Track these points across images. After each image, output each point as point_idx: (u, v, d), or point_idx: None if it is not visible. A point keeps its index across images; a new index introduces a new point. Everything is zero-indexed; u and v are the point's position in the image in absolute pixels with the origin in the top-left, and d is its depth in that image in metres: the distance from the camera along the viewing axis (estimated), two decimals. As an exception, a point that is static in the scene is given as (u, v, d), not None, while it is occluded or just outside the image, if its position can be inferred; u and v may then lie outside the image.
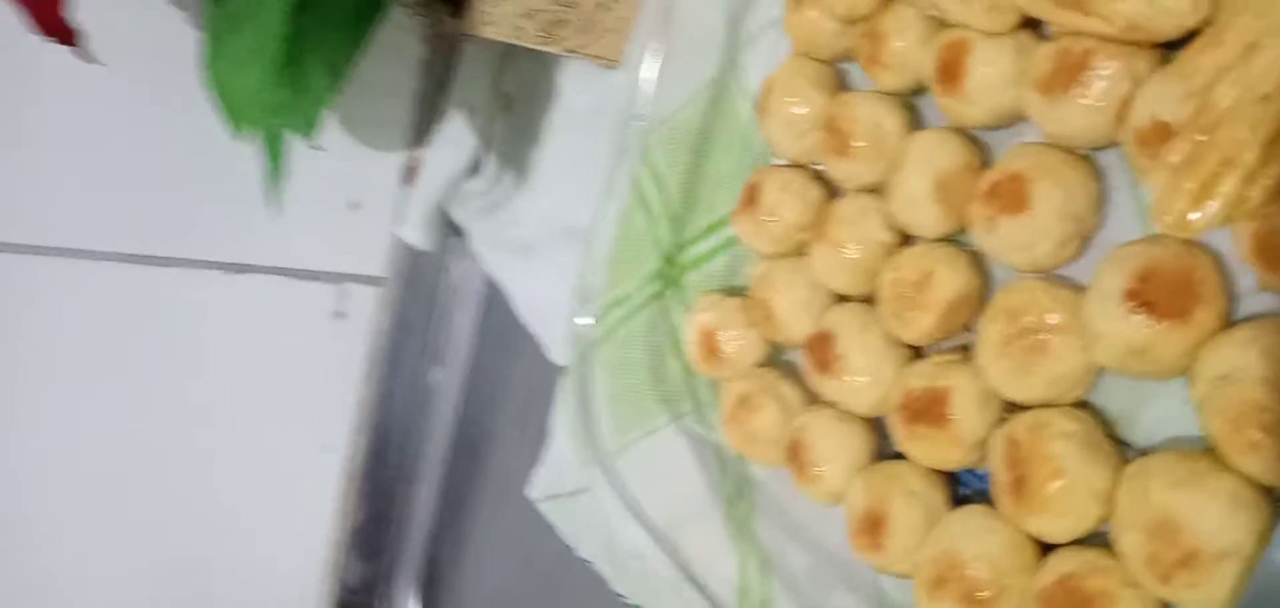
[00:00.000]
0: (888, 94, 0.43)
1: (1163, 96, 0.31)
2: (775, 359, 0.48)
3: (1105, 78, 0.33)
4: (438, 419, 0.83)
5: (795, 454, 0.43)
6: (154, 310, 0.78)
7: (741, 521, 0.47)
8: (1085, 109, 0.34)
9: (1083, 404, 0.35)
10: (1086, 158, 0.36)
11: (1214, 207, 0.29)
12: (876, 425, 0.42)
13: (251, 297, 0.80)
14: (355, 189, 0.82)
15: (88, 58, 0.53)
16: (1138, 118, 0.32)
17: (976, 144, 0.40)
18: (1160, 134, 0.31)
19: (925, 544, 0.37)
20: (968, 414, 0.37)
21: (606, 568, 0.56)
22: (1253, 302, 0.31)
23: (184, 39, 0.61)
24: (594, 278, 0.55)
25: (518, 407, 0.73)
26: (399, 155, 0.82)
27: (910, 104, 0.43)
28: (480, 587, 0.79)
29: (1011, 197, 0.36)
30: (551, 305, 0.67)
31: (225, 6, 0.57)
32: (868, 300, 0.43)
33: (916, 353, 0.41)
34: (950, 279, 0.38)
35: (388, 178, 0.82)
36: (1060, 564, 0.33)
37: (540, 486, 0.63)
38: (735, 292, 0.51)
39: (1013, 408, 0.37)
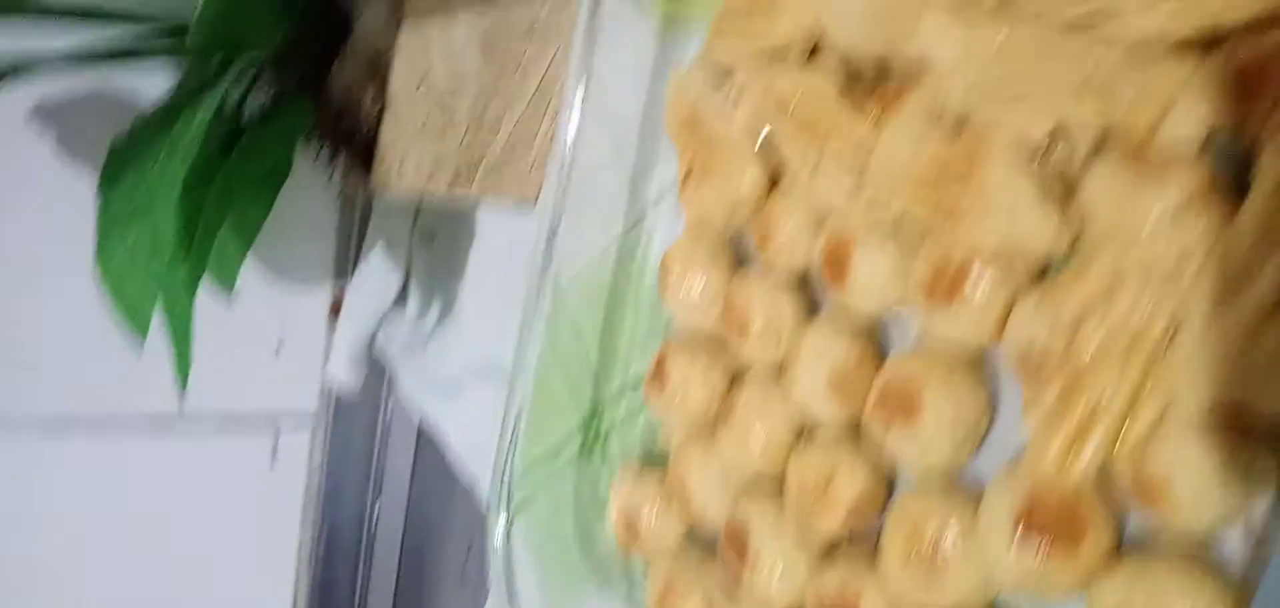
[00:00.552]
0: (783, 277, 0.42)
1: (1035, 325, 0.31)
2: (699, 537, 0.47)
3: (984, 290, 0.33)
4: (381, 560, 0.82)
5: (717, 648, 0.42)
6: (81, 474, 0.76)
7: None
8: (967, 320, 0.34)
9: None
10: (975, 359, 0.35)
11: (1087, 455, 0.28)
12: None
13: (183, 449, 0.79)
14: (282, 329, 0.81)
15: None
16: (1015, 339, 0.32)
17: (870, 333, 0.39)
18: (1036, 361, 0.31)
19: None
20: (878, 622, 0.36)
21: None
22: (1144, 518, 0.31)
23: (89, 216, 0.60)
24: (509, 455, 0.54)
25: (458, 551, 0.72)
26: (325, 290, 0.81)
27: (807, 284, 0.42)
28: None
29: (901, 406, 0.35)
30: (481, 447, 0.66)
31: (117, 200, 0.56)
32: (783, 481, 0.42)
33: (832, 544, 0.41)
34: (850, 484, 0.38)
35: (315, 315, 0.81)
36: None
37: (479, 649, 0.62)
38: (658, 457, 0.50)
39: (922, 614, 0.36)
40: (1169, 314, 0.27)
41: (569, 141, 0.52)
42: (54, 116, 0.64)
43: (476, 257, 0.71)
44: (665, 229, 0.50)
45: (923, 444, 0.35)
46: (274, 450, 0.81)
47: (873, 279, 0.37)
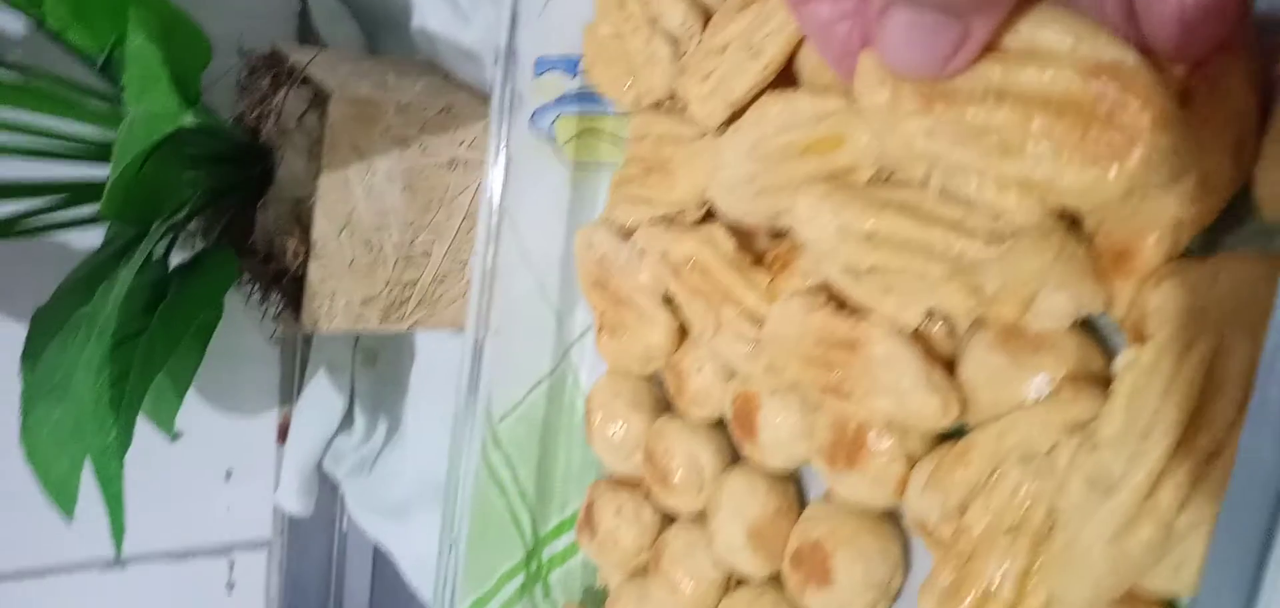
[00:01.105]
0: (701, 424, 0.43)
1: (924, 504, 0.31)
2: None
3: (881, 456, 0.33)
4: (344, 685, 0.81)
5: None
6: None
7: None
8: (868, 484, 0.34)
9: None
10: (886, 516, 0.36)
11: (982, 639, 0.29)
12: None
13: (138, 588, 0.78)
14: (230, 457, 0.80)
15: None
16: (910, 510, 0.32)
17: (787, 484, 0.40)
18: (929, 534, 0.31)
19: None
20: None
21: None
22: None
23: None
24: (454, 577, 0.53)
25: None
26: (271, 415, 0.81)
27: (725, 431, 0.43)
28: None
29: (814, 568, 0.36)
30: (432, 569, 0.66)
31: (40, 375, 0.56)
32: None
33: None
34: (775, 636, 0.38)
35: (263, 439, 0.81)
36: None
37: None
38: (597, 596, 0.50)
39: None
40: (1048, 500, 0.28)
41: (484, 274, 0.52)
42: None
43: (419, 377, 0.71)
44: (591, 365, 0.50)
45: (837, 605, 0.35)
46: (230, 579, 0.80)
47: (779, 439, 0.37)
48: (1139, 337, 0.26)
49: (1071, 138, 0.24)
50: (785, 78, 0.36)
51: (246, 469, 0.80)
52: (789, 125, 0.34)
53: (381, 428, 0.74)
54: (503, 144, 0.50)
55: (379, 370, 0.74)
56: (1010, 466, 0.29)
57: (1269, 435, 0.19)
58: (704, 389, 0.41)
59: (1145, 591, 0.27)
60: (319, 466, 0.76)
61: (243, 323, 0.71)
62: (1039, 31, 0.24)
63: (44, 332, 0.55)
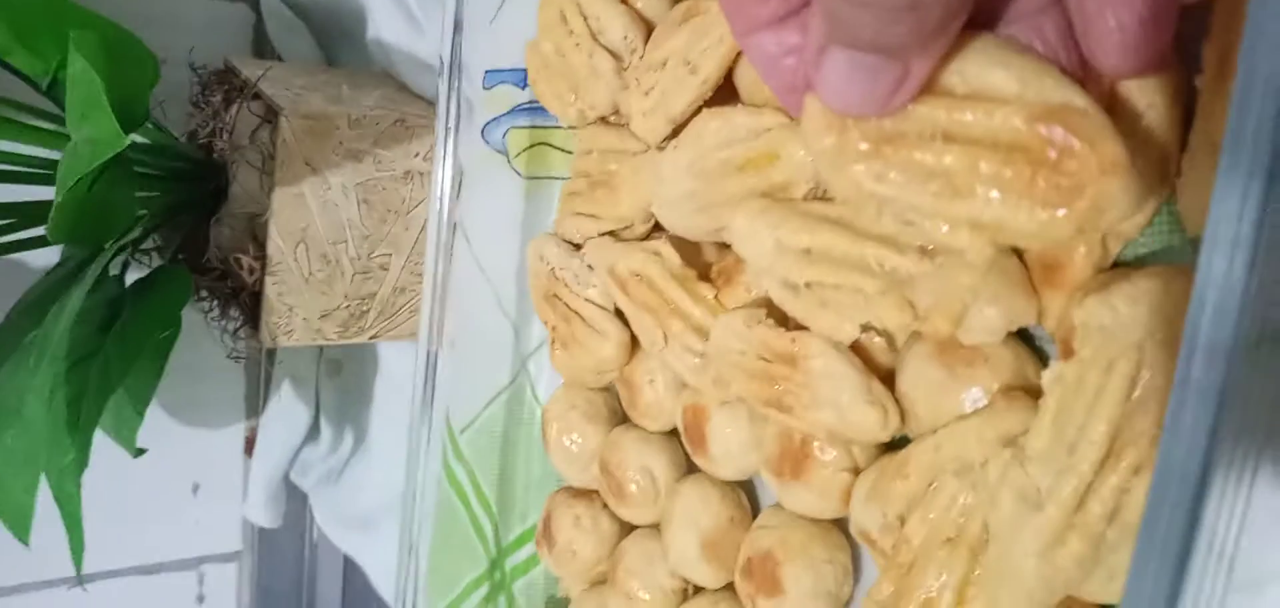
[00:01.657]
0: (655, 435, 0.43)
1: (865, 515, 0.31)
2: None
3: (826, 466, 0.34)
4: (316, 694, 0.81)
5: None
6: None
7: None
8: (814, 495, 0.34)
9: None
10: (836, 525, 0.36)
11: (924, 651, 0.29)
12: None
13: (107, 603, 0.77)
14: (197, 471, 0.80)
15: None
16: (855, 521, 0.32)
17: (739, 492, 0.40)
18: (872, 543, 0.31)
19: None
20: None
21: None
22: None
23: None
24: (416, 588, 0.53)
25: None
26: (238, 427, 0.80)
27: (679, 441, 0.43)
28: None
29: (764, 578, 0.36)
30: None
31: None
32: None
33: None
34: (730, 647, 0.38)
35: (230, 452, 0.80)
36: None
37: None
38: (561, 605, 0.50)
39: None
40: (982, 515, 0.28)
41: (432, 291, 0.52)
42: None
43: (383, 387, 0.71)
44: (549, 377, 0.50)
45: (788, 612, 0.36)
46: (200, 592, 0.80)
47: (728, 451, 0.38)
48: (1068, 351, 0.26)
49: (1020, 182, 0.23)
50: (725, 92, 0.36)
51: (214, 483, 0.79)
52: (727, 141, 0.34)
53: (348, 439, 0.74)
54: (449, 156, 0.50)
55: (344, 381, 0.74)
56: (946, 478, 0.29)
57: (1182, 447, 0.19)
58: (656, 401, 0.41)
59: (1082, 599, 0.27)
60: (286, 477, 0.76)
61: (205, 339, 0.71)
62: (985, 74, 0.23)
63: (-5, 358, 0.55)
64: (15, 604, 0.74)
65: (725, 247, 0.38)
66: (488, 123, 0.52)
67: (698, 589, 0.42)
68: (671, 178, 0.36)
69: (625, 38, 0.39)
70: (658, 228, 0.40)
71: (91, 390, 0.54)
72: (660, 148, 0.38)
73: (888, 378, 0.32)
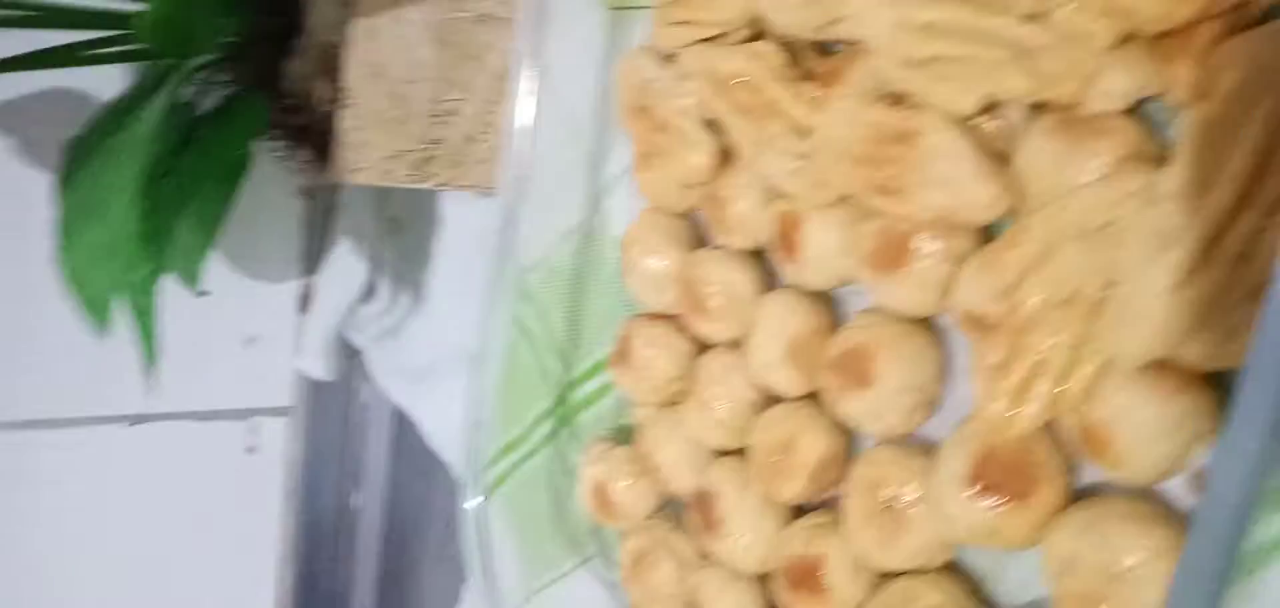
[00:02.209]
0: (738, 252, 0.43)
1: (977, 289, 0.32)
2: (669, 507, 0.48)
3: (928, 257, 0.34)
4: (363, 545, 0.82)
5: (691, 615, 0.43)
6: (61, 472, 0.76)
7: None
8: (913, 287, 0.35)
9: (949, 565, 0.36)
10: (927, 324, 0.36)
11: (1031, 410, 0.30)
12: (770, 579, 0.42)
13: (160, 445, 0.79)
14: (253, 322, 0.81)
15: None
16: (960, 303, 0.33)
17: (825, 304, 0.40)
18: (980, 324, 0.32)
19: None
20: (842, 582, 0.37)
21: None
22: (1090, 471, 0.32)
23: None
24: (478, 435, 0.54)
25: (439, 532, 0.73)
26: (294, 283, 0.81)
27: (762, 259, 0.43)
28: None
29: (855, 372, 0.36)
30: (457, 432, 0.67)
31: (76, 197, 0.56)
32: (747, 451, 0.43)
33: (798, 508, 0.42)
34: (812, 445, 0.39)
35: (285, 306, 0.81)
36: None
37: (463, 627, 0.63)
38: (627, 433, 0.51)
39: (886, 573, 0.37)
40: (1102, 273, 0.28)
41: (521, 130, 0.52)
42: (9, 118, 0.63)
43: (443, 244, 0.71)
44: (625, 210, 0.50)
45: (877, 410, 0.36)
46: (251, 443, 0.81)
47: (822, 255, 0.38)
48: (1203, 94, 0.26)
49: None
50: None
51: (268, 336, 0.80)
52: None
53: (405, 296, 0.75)
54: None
55: (403, 238, 0.75)
56: (1066, 241, 0.29)
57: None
58: (744, 216, 0.42)
59: (1187, 358, 0.27)
60: (341, 332, 0.77)
61: (269, 189, 0.71)
62: None
63: (80, 158, 0.55)
64: (70, 437, 0.75)
65: (827, 53, 0.38)
66: (574, -46, 0.52)
67: (774, 403, 0.42)
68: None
69: None
70: (757, 35, 0.40)
71: (166, 206, 0.55)
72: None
73: (999, 160, 0.32)
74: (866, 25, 0.32)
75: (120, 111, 0.55)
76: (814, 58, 0.39)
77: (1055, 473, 0.32)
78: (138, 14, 0.48)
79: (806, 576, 0.38)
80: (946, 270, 0.34)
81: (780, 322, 0.40)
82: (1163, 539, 0.29)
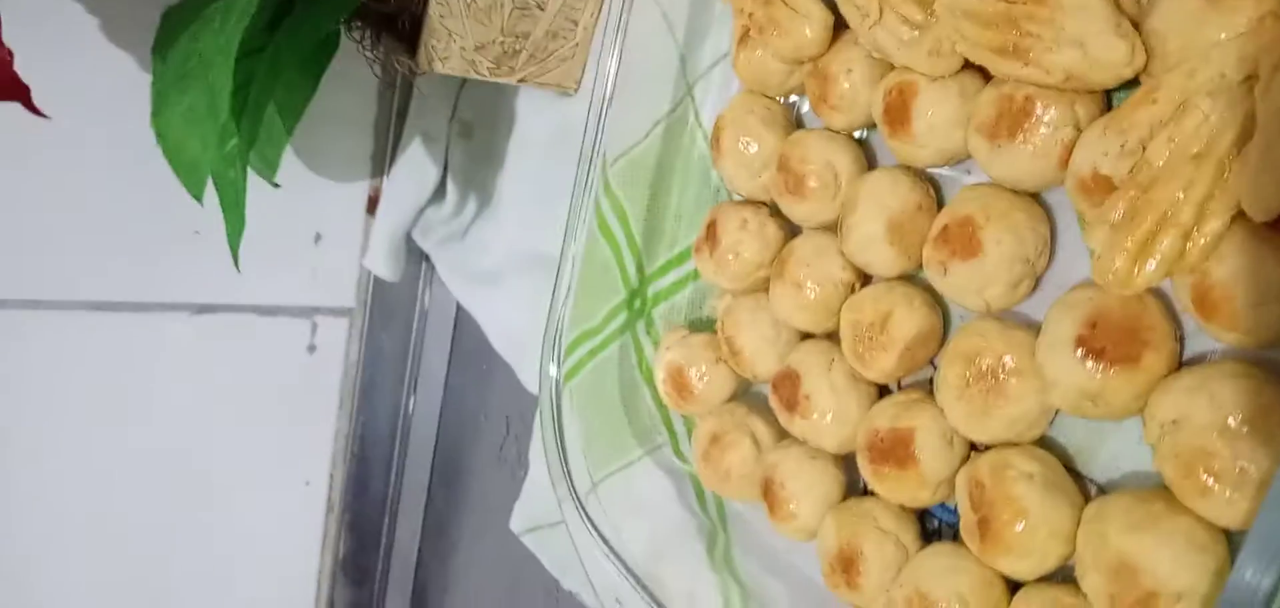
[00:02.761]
0: (838, 133, 0.43)
1: (1102, 147, 0.32)
2: (745, 393, 0.49)
3: (1047, 125, 0.34)
4: (416, 448, 0.83)
5: (768, 492, 0.44)
6: (126, 356, 0.77)
7: (722, 554, 0.48)
8: (1029, 155, 0.35)
9: (1042, 441, 0.36)
10: (1035, 199, 0.36)
11: (1153, 265, 0.30)
12: (848, 461, 0.43)
13: (223, 336, 0.80)
14: (320, 222, 0.82)
15: (38, 112, 0.52)
16: (1079, 166, 0.33)
17: (928, 183, 0.40)
18: (1101, 185, 0.32)
19: (897, 583, 0.38)
20: (933, 454, 0.38)
21: (591, 600, 0.57)
22: (1198, 341, 0.32)
23: (138, 89, 0.61)
24: (561, 313, 0.55)
25: (495, 434, 0.74)
26: (362, 185, 0.82)
27: (862, 141, 0.43)
28: (470, 612, 0.79)
29: (962, 242, 0.36)
30: (521, 333, 0.68)
31: (172, 65, 0.57)
32: (831, 337, 0.43)
33: (881, 390, 0.42)
34: (908, 319, 0.39)
35: (352, 209, 0.82)
36: (1027, 603, 0.34)
37: (521, 518, 0.64)
38: (702, 325, 0.51)
39: (976, 446, 0.37)
40: (1237, 127, 0.28)
41: (613, 23, 0.52)
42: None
43: (515, 148, 0.72)
44: (715, 99, 0.51)
45: (982, 281, 0.36)
46: (312, 341, 0.82)
47: (934, 127, 0.38)
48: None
49: None
50: None
51: (335, 236, 0.81)
52: None
53: (473, 200, 0.75)
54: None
55: (474, 142, 0.75)
56: (1200, 97, 0.29)
57: None
58: (850, 92, 0.42)
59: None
60: (409, 235, 0.78)
61: (343, 87, 0.72)
62: None
63: (175, 26, 0.56)
64: (137, 321, 0.77)
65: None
66: None
67: (865, 286, 0.42)
68: None
69: None
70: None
71: (258, 81, 0.56)
72: None
73: (1134, 19, 0.32)
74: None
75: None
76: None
77: (1165, 338, 0.32)
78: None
79: (896, 447, 0.38)
80: (1068, 135, 0.34)
81: (884, 198, 0.40)
82: (1274, 398, 0.29)
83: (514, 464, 0.71)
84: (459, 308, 0.79)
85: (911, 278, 0.41)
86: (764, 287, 0.46)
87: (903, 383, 0.42)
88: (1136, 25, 0.32)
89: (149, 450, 0.80)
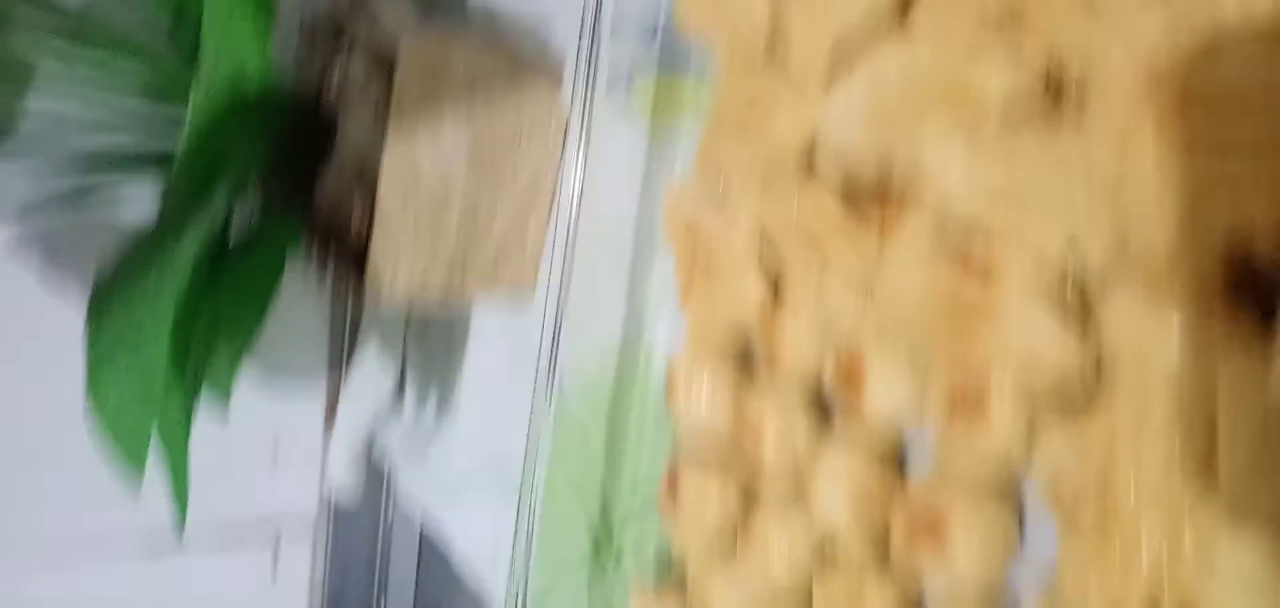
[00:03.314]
0: (794, 395, 0.41)
1: (1064, 457, 0.29)
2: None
3: (1005, 411, 0.32)
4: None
5: None
6: (78, 601, 0.74)
7: None
8: (988, 440, 0.32)
9: None
10: (1000, 478, 0.34)
11: (1131, 598, 0.27)
12: None
13: (183, 566, 0.77)
14: (278, 433, 0.79)
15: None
16: (1043, 468, 0.31)
17: (890, 449, 0.38)
18: (1066, 497, 0.29)
19: None
20: None
21: None
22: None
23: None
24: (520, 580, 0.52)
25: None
26: (319, 393, 0.80)
27: (819, 395, 0.41)
28: None
29: (928, 531, 0.34)
30: (487, 552, 0.65)
31: (108, 332, 0.55)
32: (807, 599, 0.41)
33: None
34: (881, 605, 0.36)
35: (310, 417, 0.80)
36: None
37: None
38: (672, 574, 0.49)
39: None
40: (1201, 448, 0.26)
41: (563, 243, 0.51)
42: (38, 247, 0.62)
43: (473, 352, 0.70)
44: (667, 333, 0.49)
45: (952, 570, 0.34)
46: (275, 562, 0.79)
47: (888, 398, 0.36)
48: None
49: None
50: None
51: (294, 447, 0.79)
52: (911, 77, 0.32)
53: (432, 406, 0.73)
54: (576, 107, 0.49)
55: (431, 346, 0.73)
56: (1160, 412, 0.27)
57: None
58: (800, 351, 0.40)
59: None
60: (369, 443, 0.75)
61: (296, 296, 0.70)
62: None
63: (109, 291, 0.54)
64: (91, 561, 0.73)
65: (885, 195, 0.37)
66: (612, 71, 0.51)
67: (830, 563, 0.40)
68: (842, 111, 0.34)
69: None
70: (811, 158, 0.38)
71: (200, 338, 0.54)
72: (823, 82, 0.36)
73: (1081, 314, 0.30)
74: (939, 157, 0.30)
75: (150, 241, 0.54)
76: (874, 197, 0.37)
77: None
78: (171, 157, 0.47)
79: None
80: (1024, 423, 0.31)
81: (843, 469, 0.37)
82: None
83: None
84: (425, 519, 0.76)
85: (884, 545, 0.38)
86: (733, 545, 0.44)
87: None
88: (1088, 312, 0.30)
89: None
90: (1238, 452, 0.25)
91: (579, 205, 0.51)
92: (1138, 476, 0.27)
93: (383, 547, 0.79)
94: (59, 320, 0.61)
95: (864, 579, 0.37)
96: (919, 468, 0.37)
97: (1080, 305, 0.30)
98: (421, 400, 0.73)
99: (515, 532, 0.52)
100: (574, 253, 0.52)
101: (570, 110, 0.48)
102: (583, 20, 0.50)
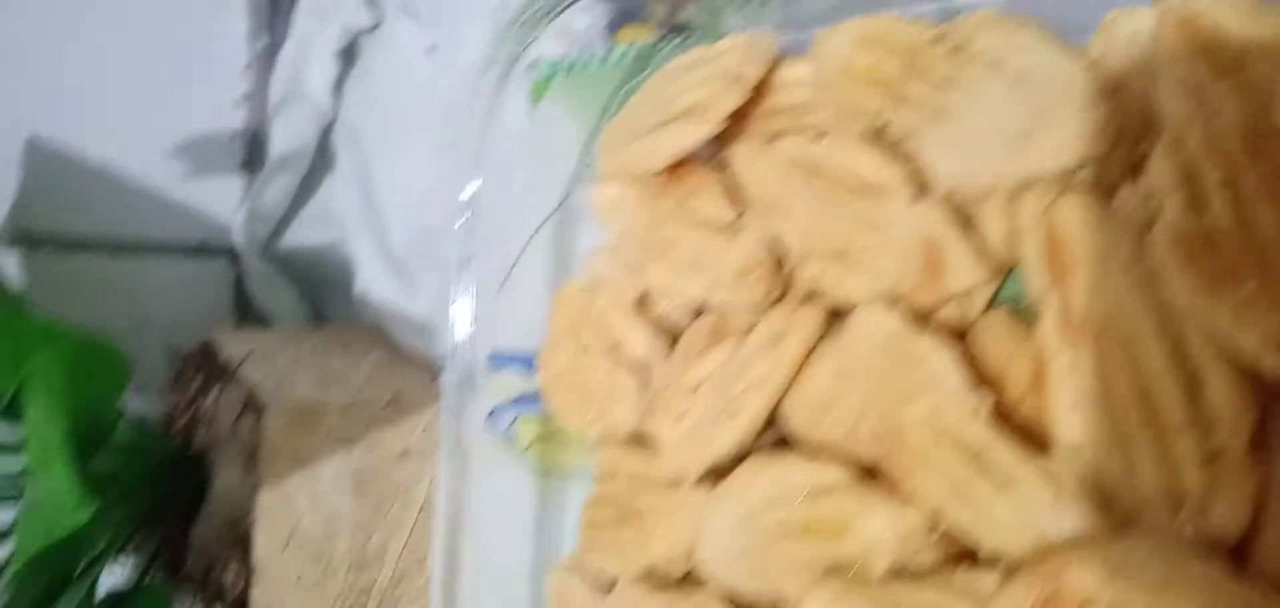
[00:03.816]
0: None
1: None
2: None
3: None
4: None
5: None
6: None
7: None
8: None
9: None
10: None
11: None
12: None
13: None
14: None
15: None
16: None
17: None
18: None
19: None
20: None
21: None
22: None
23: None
24: None
25: None
26: None
27: None
28: None
29: None
30: None
31: None
32: None
33: None
34: None
35: None
36: None
37: None
38: None
39: None
40: None
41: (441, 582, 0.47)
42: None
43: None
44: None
45: None
46: None
47: None
48: None
49: None
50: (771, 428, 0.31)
51: None
52: (782, 500, 0.29)
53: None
54: (449, 448, 0.46)
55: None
56: None
57: None
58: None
59: None
60: None
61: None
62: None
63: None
64: None
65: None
66: (494, 410, 0.47)
67: None
68: (717, 534, 0.31)
69: (648, 353, 0.35)
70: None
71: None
72: (697, 485, 0.33)
73: None
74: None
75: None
76: None
77: None
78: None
79: None
80: None
81: None
82: None
83: None
84: None
85: None
86: None
87: None
88: None
89: None
90: None
91: (461, 550, 0.47)
92: None
93: None
94: None
95: None
96: None
97: None
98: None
99: None
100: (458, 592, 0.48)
101: (445, 447, 0.45)
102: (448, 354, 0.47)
